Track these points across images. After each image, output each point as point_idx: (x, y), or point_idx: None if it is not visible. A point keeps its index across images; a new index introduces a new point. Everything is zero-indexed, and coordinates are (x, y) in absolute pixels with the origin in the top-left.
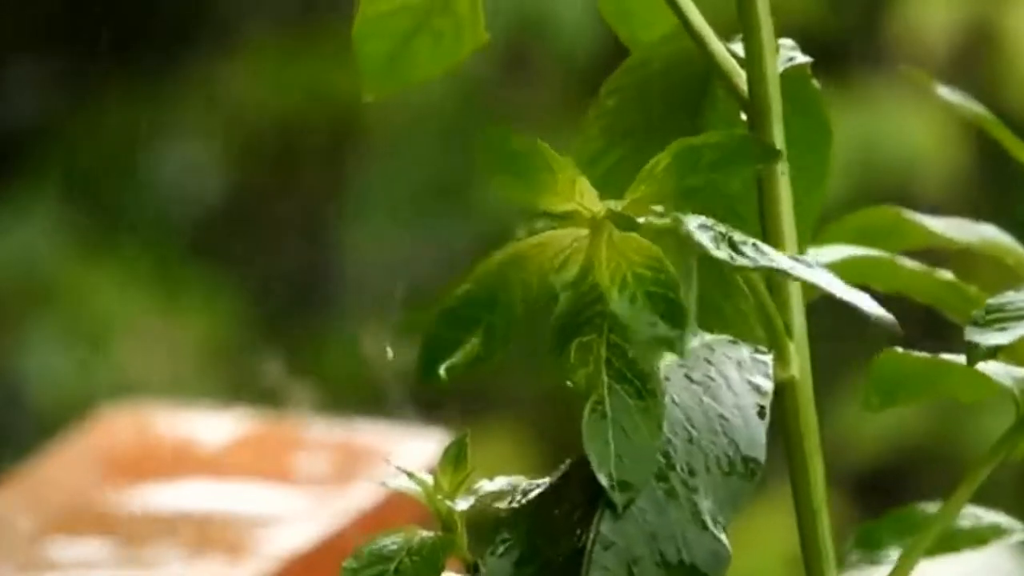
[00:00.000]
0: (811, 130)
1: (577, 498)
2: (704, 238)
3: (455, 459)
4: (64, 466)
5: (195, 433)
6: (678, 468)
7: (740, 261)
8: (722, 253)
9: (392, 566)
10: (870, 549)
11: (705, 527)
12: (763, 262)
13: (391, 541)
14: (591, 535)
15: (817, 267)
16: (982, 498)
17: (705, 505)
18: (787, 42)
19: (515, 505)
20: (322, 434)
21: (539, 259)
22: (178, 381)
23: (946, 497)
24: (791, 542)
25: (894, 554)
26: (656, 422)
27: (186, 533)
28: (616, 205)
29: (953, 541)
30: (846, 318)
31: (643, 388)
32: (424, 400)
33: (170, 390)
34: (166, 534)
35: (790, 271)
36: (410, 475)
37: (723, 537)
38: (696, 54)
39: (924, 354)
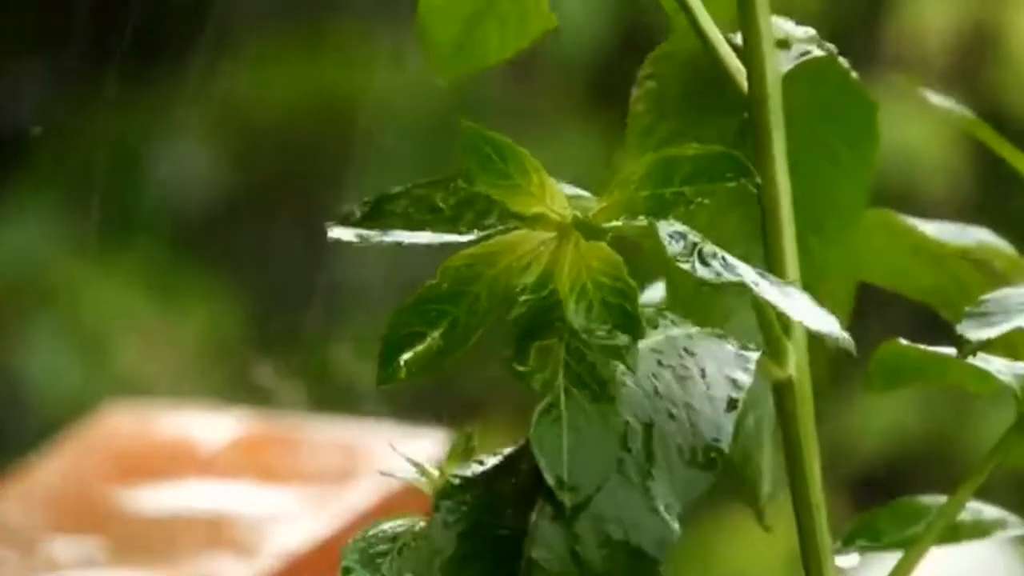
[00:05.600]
0: (852, 108)
1: (526, 474)
2: (675, 247)
3: (462, 453)
4: (64, 466)
5: (195, 433)
6: (634, 451)
7: (703, 273)
8: (687, 264)
9: (397, 546)
10: (869, 539)
11: (655, 510)
12: (728, 276)
13: (398, 524)
14: (536, 512)
15: (788, 288)
16: (982, 495)
17: (658, 490)
18: (802, 33)
19: (465, 476)
20: (322, 434)
21: (506, 259)
22: (178, 381)
23: (948, 496)
24: (790, 540)
25: (893, 543)
26: (613, 427)
27: (186, 533)
28: (584, 212)
29: (953, 535)
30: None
31: (601, 393)
32: (424, 400)
33: (170, 390)
34: (166, 534)
35: (755, 288)
36: (418, 467)
37: (672, 522)
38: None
39: (925, 347)
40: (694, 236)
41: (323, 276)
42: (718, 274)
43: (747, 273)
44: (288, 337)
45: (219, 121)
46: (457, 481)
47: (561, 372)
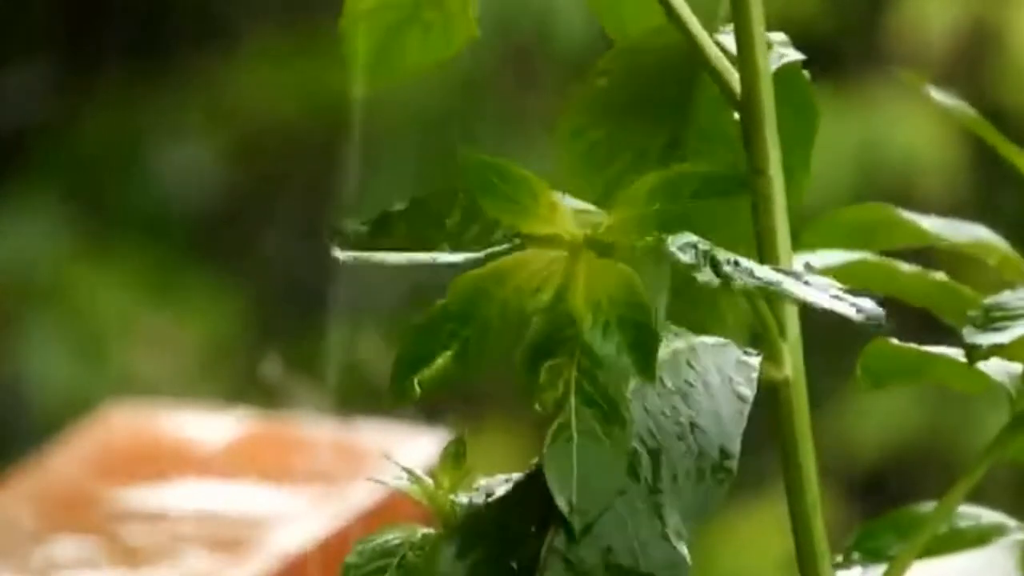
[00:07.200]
0: (798, 123)
1: (537, 504)
2: (687, 258)
3: (454, 457)
4: (64, 466)
5: (195, 433)
6: (643, 480)
7: (718, 282)
8: (705, 274)
9: (395, 561)
10: (871, 549)
11: (665, 537)
12: (746, 280)
13: (393, 536)
14: (546, 544)
15: (806, 279)
16: (982, 498)
17: (669, 516)
18: (778, 37)
19: (475, 505)
20: (322, 434)
21: (517, 278)
22: (178, 381)
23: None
24: (786, 542)
25: (894, 554)
26: (622, 449)
27: (186, 533)
28: (594, 229)
29: (954, 541)
30: (844, 317)
31: (611, 414)
32: (424, 400)
33: (170, 390)
34: (166, 534)
35: (778, 287)
36: (410, 474)
37: (683, 549)
38: (687, 46)
39: (914, 346)
40: (703, 244)
41: (323, 276)
42: (734, 280)
43: (765, 274)
44: (288, 337)
45: (219, 121)
46: (466, 511)
47: (572, 392)
